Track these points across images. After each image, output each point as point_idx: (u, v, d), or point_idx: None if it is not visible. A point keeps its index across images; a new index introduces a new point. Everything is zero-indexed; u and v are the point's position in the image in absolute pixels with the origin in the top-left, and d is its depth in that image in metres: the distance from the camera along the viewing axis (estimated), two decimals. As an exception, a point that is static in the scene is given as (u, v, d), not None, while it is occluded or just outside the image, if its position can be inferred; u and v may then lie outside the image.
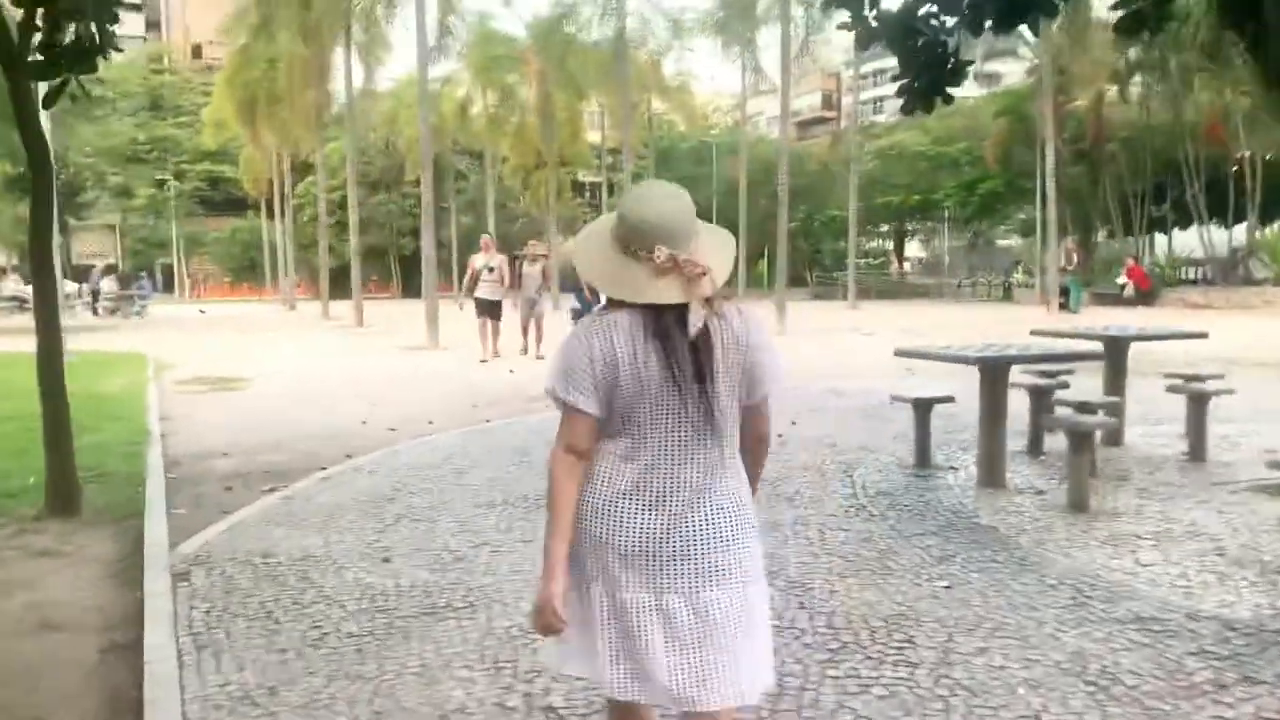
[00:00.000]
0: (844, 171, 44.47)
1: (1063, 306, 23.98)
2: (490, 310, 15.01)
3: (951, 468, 6.68)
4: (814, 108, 70.26)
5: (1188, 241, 32.38)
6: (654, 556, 2.11)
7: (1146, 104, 28.59)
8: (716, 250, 2.17)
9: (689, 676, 2.09)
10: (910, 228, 50.30)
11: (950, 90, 5.58)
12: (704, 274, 2.07)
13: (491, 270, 15.05)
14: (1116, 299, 26.22)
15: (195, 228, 61.96)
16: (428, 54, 19.67)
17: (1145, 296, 26.54)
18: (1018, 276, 40.24)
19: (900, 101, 5.73)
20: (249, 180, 44.32)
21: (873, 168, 35.41)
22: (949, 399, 6.94)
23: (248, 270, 56.32)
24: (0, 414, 9.17)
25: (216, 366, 14.43)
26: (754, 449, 2.29)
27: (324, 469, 7.03)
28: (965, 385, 7.19)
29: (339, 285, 32.97)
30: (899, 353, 6.94)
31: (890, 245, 54.94)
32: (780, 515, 5.50)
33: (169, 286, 57.30)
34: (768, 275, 51.08)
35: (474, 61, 37.26)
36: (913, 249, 55.76)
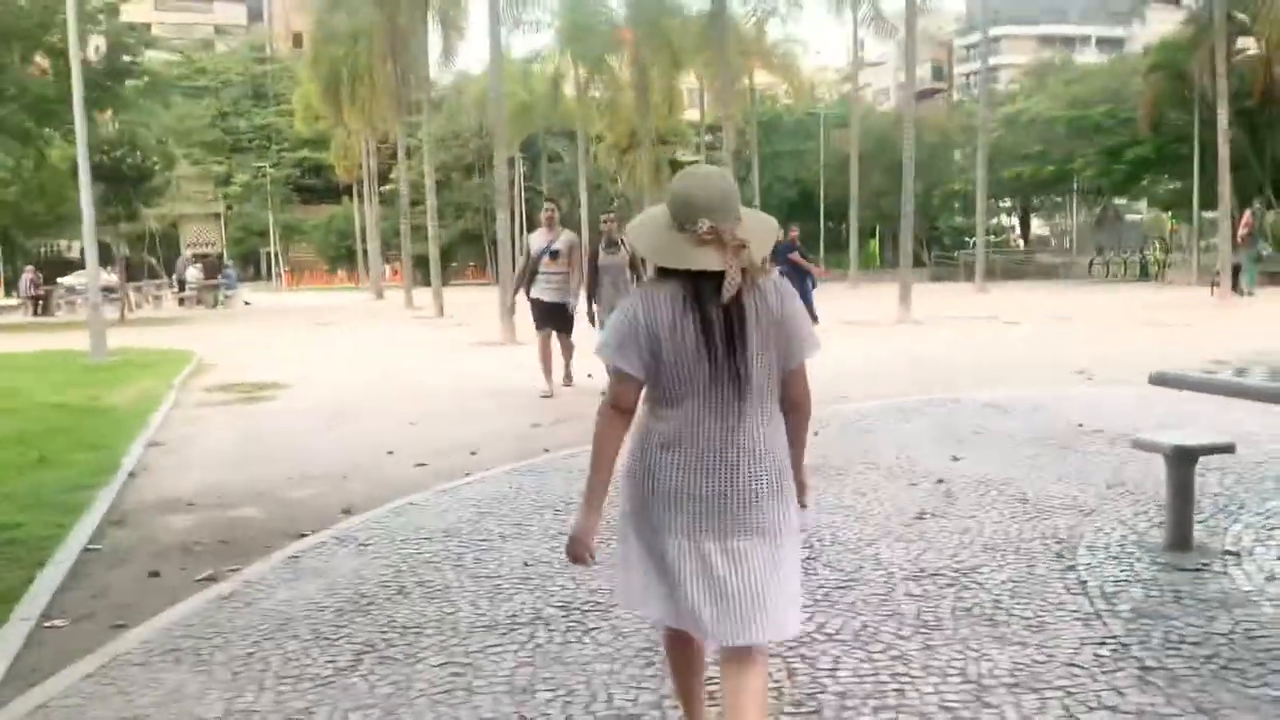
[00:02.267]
0: (965, 142, 41.41)
1: (1233, 288, 20.78)
2: (552, 317, 9.71)
3: (1229, 553, 4.31)
4: (923, 79, 66.52)
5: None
6: (688, 506, 2.33)
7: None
8: (757, 230, 2.38)
9: (721, 614, 2.32)
10: (1035, 203, 46.61)
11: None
12: (743, 246, 2.28)
13: (556, 256, 9.57)
14: (1290, 279, 22.80)
15: (295, 215, 61.85)
16: (499, 12, 17.55)
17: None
18: (1155, 254, 36.59)
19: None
20: (341, 165, 43.35)
21: (998, 137, 32.16)
22: (1228, 448, 4.54)
23: (345, 258, 55.70)
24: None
25: (259, 369, 12.72)
26: (792, 416, 2.45)
27: (303, 536, 5.02)
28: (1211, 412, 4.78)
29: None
30: (1156, 381, 4.54)
31: (1012, 222, 51.29)
32: (984, 653, 3.28)
33: (271, 274, 57.22)
34: (879, 255, 48.22)
35: (564, 32, 35.22)
36: (1033, 226, 51.94)
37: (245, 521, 5.49)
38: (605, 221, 10.10)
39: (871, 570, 4.22)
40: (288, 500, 5.93)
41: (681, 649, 2.58)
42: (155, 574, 4.58)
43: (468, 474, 6.33)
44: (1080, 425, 7.19)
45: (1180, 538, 4.36)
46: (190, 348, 15.78)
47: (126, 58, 23.59)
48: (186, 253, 37.25)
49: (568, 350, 9.95)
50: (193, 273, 31.97)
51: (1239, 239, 20.44)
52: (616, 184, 48.29)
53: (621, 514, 2.46)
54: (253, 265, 61.27)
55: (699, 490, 2.32)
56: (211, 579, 4.43)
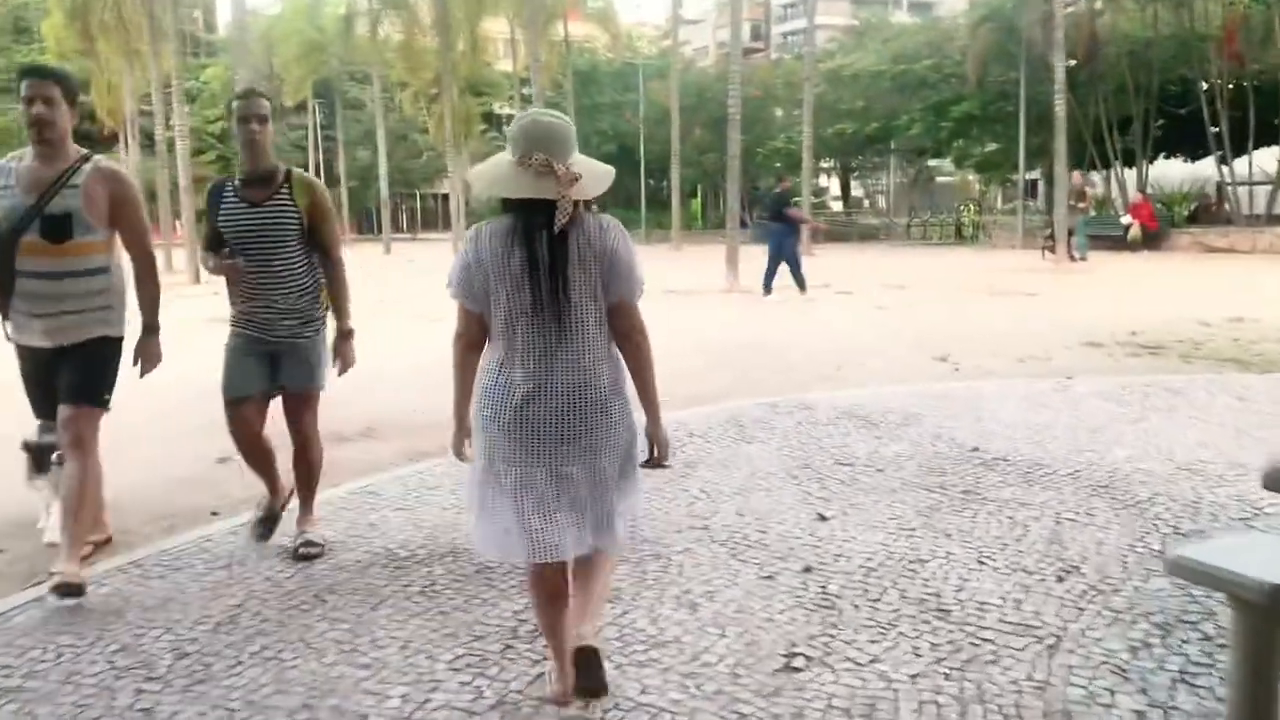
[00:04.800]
0: (786, 98, 40.18)
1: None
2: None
3: None
4: (743, 40, 65.55)
5: (1171, 174, 28.63)
6: (521, 432, 2.48)
7: (1152, 10, 24.47)
8: (590, 169, 2.50)
9: (560, 530, 2.48)
10: (854, 164, 46.02)
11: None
12: (576, 179, 2.42)
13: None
14: (1119, 243, 22.22)
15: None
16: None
17: (1152, 239, 22.65)
18: (970, 216, 36.48)
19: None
20: (104, 109, 38.24)
21: (820, 93, 30.80)
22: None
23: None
24: None
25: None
26: (625, 347, 2.58)
27: None
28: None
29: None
30: (1273, 484, 2.50)
31: (829, 183, 50.74)
32: None
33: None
34: (701, 214, 46.71)
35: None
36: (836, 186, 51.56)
37: None
38: None
39: None
40: None
41: (541, 584, 2.64)
42: None
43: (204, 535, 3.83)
44: (975, 450, 5.31)
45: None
46: None
47: None
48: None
49: None
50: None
51: (1075, 202, 19.52)
52: (429, 135, 44.81)
53: (475, 444, 2.60)
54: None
55: (531, 417, 2.47)
56: None
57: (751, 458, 5.22)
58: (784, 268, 13.89)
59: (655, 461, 2.67)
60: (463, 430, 2.67)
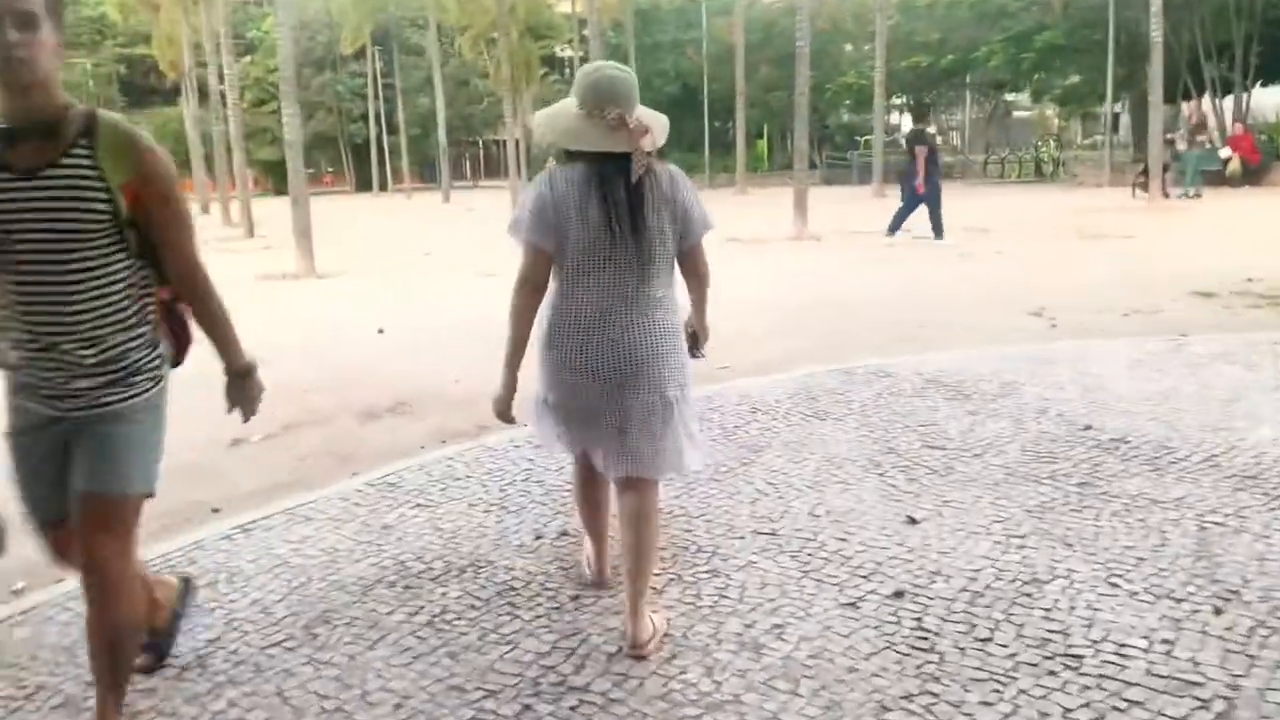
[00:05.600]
0: (857, 32, 38.55)
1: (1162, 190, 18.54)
2: None
3: None
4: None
5: (1269, 103, 26.75)
6: (589, 367, 2.61)
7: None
8: (654, 120, 2.64)
9: (619, 453, 2.67)
10: (927, 99, 44.12)
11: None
12: (647, 132, 2.55)
13: None
14: (1217, 178, 20.68)
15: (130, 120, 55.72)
16: None
17: (1252, 174, 21.07)
18: (1050, 152, 34.64)
19: None
20: (165, 60, 38.17)
21: (894, 25, 29.29)
22: None
23: (183, 166, 50.40)
24: None
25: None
26: (691, 281, 2.80)
27: None
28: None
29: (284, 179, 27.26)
30: None
31: (903, 120, 48.87)
32: None
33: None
34: (768, 157, 45.37)
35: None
36: (908, 123, 49.63)
37: None
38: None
39: None
40: None
41: (588, 486, 2.95)
42: None
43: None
44: (1088, 428, 4.56)
45: None
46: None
47: None
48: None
49: None
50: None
51: (1185, 136, 18.01)
52: (489, 81, 44.03)
53: (538, 375, 2.73)
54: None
55: (600, 353, 2.60)
56: None
57: (825, 440, 4.54)
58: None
59: (691, 350, 2.88)
60: (510, 389, 2.75)
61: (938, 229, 13.20)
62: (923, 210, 13.26)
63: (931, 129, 14.52)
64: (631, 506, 2.71)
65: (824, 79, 33.35)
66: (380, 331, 7.99)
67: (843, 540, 3.39)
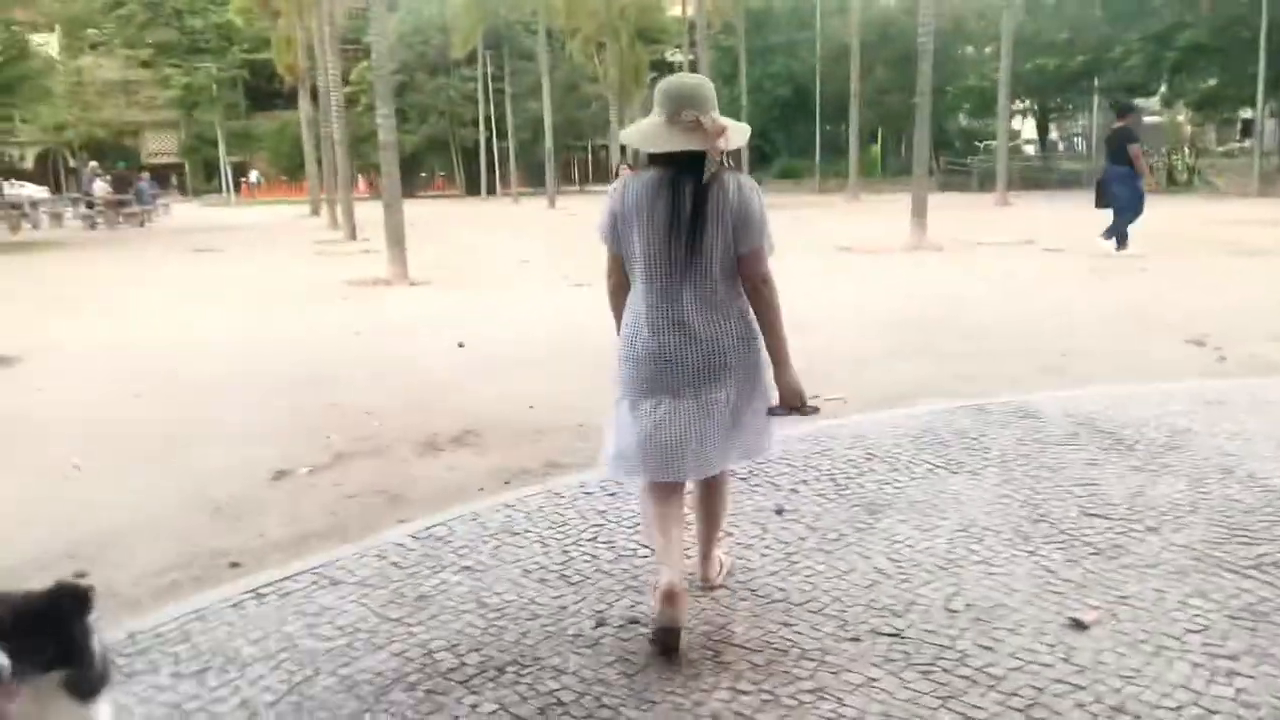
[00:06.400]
0: (979, 33, 36.96)
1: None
2: None
3: None
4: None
5: None
6: (650, 368, 2.66)
7: None
8: (731, 123, 2.64)
9: (691, 454, 2.66)
10: (1052, 104, 42.06)
11: None
12: (723, 131, 2.57)
13: None
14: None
15: (251, 122, 57.28)
16: None
17: None
18: (1184, 160, 32.45)
19: None
20: (283, 65, 38.91)
21: (1018, 25, 27.78)
22: None
23: (301, 168, 51.40)
24: None
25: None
26: (753, 291, 2.69)
27: None
28: None
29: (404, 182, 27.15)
30: None
31: (1023, 125, 46.82)
32: None
33: (229, 187, 52.96)
34: (880, 162, 43.96)
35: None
36: (1030, 129, 47.45)
37: None
38: None
39: None
40: None
41: (655, 498, 2.77)
42: None
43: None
44: (1291, 493, 3.66)
45: None
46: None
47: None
48: (91, 164, 33.02)
49: None
50: (100, 187, 27.91)
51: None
52: (597, 84, 43.75)
53: (616, 378, 2.78)
54: (160, 181, 56.90)
55: (664, 354, 2.65)
56: None
57: (960, 500, 3.75)
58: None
59: (786, 407, 2.74)
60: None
61: (1122, 238, 12.07)
62: (1106, 215, 12.17)
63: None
64: (703, 493, 2.94)
65: (944, 82, 31.94)
66: (460, 345, 7.45)
67: (989, 649, 2.62)
